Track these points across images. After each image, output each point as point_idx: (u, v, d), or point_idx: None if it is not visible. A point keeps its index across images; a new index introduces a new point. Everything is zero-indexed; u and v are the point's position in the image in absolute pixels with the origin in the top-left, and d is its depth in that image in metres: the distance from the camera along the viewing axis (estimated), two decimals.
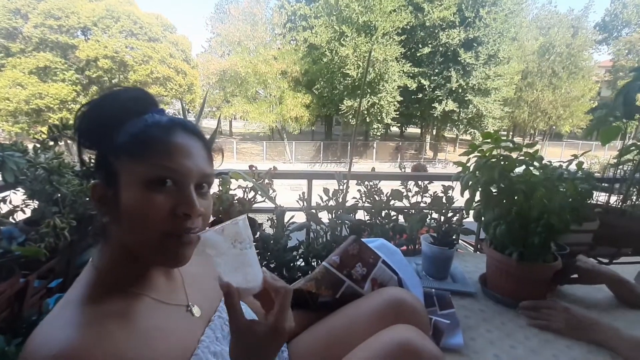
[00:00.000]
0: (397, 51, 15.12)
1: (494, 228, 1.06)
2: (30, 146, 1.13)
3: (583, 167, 1.29)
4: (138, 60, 16.04)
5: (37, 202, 1.15)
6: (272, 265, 1.33)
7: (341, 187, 1.48)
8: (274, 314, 0.46)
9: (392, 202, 1.51)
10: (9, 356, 0.74)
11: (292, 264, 1.34)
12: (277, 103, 16.67)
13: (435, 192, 1.52)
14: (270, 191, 1.34)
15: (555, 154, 19.82)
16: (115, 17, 15.98)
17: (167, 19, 18.24)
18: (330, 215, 1.46)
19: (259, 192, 1.31)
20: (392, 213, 1.52)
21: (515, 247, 1.02)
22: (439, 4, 15.43)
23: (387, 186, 1.55)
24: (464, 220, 1.51)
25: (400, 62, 15.69)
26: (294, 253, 1.37)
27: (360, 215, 1.51)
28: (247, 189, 1.35)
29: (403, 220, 1.53)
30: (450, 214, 1.50)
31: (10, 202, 1.13)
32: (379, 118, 16.12)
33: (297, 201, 1.50)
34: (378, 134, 17.66)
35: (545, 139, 22.74)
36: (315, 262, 1.40)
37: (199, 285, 0.60)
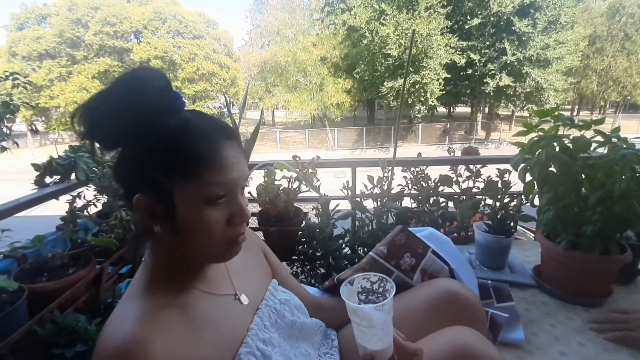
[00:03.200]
0: (442, 24, 14.17)
1: (544, 213, 0.98)
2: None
3: None
4: (185, 58, 16.90)
5: (106, 197, 1.27)
6: (318, 254, 1.35)
7: (385, 174, 1.44)
8: None
9: (440, 189, 1.44)
10: (91, 334, 0.84)
11: (338, 252, 1.35)
12: (318, 90, 16.63)
13: (489, 176, 1.41)
14: (315, 180, 1.35)
15: (631, 128, 17.52)
16: (163, 18, 16.94)
17: (208, 15, 18.96)
18: (375, 203, 1.43)
19: (303, 182, 1.32)
20: (441, 200, 1.45)
21: (566, 234, 0.93)
22: None
23: (434, 171, 1.48)
24: (524, 205, 1.40)
25: (446, 36, 14.70)
26: (340, 241, 1.37)
27: (407, 202, 1.46)
28: (291, 179, 1.37)
29: (453, 207, 1.45)
30: (507, 200, 1.39)
31: (84, 198, 1.26)
32: (423, 99, 15.37)
33: (341, 189, 1.49)
34: (420, 115, 16.89)
35: (619, 111, 20.14)
36: (361, 250, 1.39)
37: (244, 275, 0.62)
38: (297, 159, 1.37)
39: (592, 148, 0.91)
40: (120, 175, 0.49)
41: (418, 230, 1.00)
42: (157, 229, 0.48)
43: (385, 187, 1.42)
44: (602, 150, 0.92)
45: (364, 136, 17.91)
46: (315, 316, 0.71)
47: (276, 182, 1.35)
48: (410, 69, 14.25)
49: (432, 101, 15.73)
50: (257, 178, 1.43)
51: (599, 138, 0.88)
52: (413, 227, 1.02)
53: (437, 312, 0.65)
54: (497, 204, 1.41)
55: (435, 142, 17.67)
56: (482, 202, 1.40)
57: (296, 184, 1.37)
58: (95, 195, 1.28)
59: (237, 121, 1.26)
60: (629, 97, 18.32)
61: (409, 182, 1.45)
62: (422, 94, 15.23)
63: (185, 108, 0.50)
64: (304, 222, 1.37)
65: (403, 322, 0.68)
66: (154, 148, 0.45)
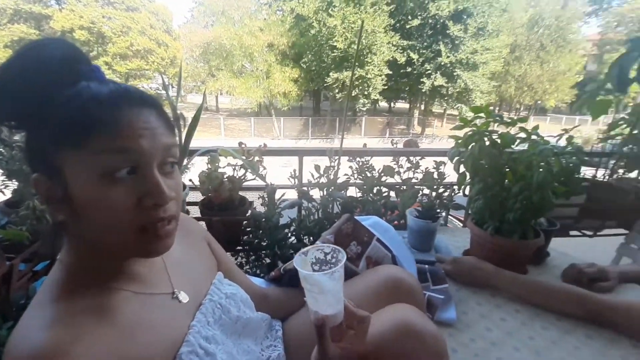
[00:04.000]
0: (385, 22, 14.72)
1: (474, 202, 1.07)
2: None
3: (573, 141, 1.29)
4: (116, 32, 15.21)
5: (16, 183, 1.09)
6: (264, 244, 1.32)
7: (332, 164, 1.45)
8: (359, 338, 0.49)
9: (384, 179, 1.50)
10: (1, 339, 0.72)
11: (284, 242, 1.33)
12: (264, 77, 16.20)
13: (427, 168, 1.51)
14: (261, 169, 1.31)
15: (540, 128, 20.08)
16: None
17: None
18: (321, 192, 1.44)
19: (249, 170, 1.27)
20: (384, 189, 1.51)
21: (492, 221, 1.03)
22: None
23: (378, 162, 1.53)
24: (456, 195, 1.52)
25: (389, 33, 15.32)
26: (286, 231, 1.35)
27: (352, 192, 1.50)
28: (237, 167, 1.31)
29: (395, 196, 1.52)
30: (441, 190, 1.50)
31: None
32: (366, 92, 15.93)
33: (288, 178, 1.47)
34: (364, 108, 17.50)
35: (531, 113, 22.97)
36: (307, 239, 1.39)
37: (184, 269, 0.57)
38: (243, 146, 1.32)
39: (515, 143, 1.01)
40: (24, 156, 0.43)
41: (363, 218, 1.03)
42: (60, 217, 0.41)
43: (332, 177, 1.43)
44: (524, 146, 1.03)
45: (310, 126, 17.99)
46: (261, 308, 0.69)
47: (220, 170, 1.29)
48: (356, 63, 14.61)
49: (375, 96, 16.37)
50: (199, 165, 1.34)
51: (522, 135, 0.98)
52: (358, 215, 1.05)
53: (382, 297, 0.67)
54: (434, 193, 1.52)
55: (378, 135, 18.45)
56: (420, 192, 1.50)
57: (242, 172, 1.32)
58: (2, 181, 1.09)
59: (175, 103, 1.16)
60: (539, 102, 20.98)
61: (355, 172, 1.48)
62: (366, 88, 15.76)
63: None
64: (249, 211, 1.33)
65: None
66: (46, 120, 0.39)
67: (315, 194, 1.45)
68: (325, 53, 15.29)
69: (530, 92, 19.69)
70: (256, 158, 1.31)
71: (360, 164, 1.49)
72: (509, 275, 0.96)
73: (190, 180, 1.31)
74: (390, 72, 15.94)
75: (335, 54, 14.91)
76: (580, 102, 1.56)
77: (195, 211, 1.36)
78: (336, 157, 1.45)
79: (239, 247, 1.37)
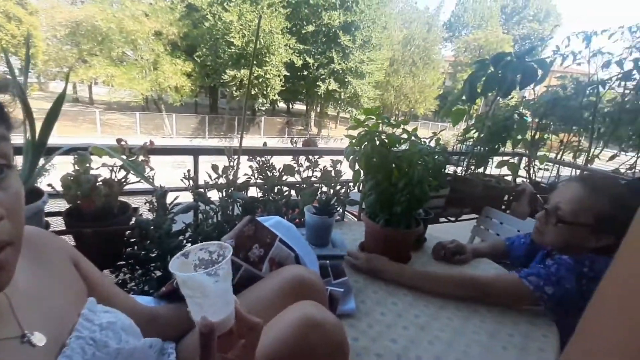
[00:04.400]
0: (282, 24, 14.94)
1: (367, 197, 1.17)
2: None
3: (440, 142, 1.53)
4: None
5: None
6: (153, 255, 1.17)
7: (232, 164, 1.38)
8: (248, 350, 0.44)
9: (284, 178, 1.50)
10: None
11: (178, 251, 1.20)
12: (151, 68, 14.46)
13: (325, 166, 1.58)
14: (147, 170, 1.15)
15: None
16: None
17: None
18: (220, 193, 1.36)
19: (132, 172, 1.11)
20: (285, 189, 1.52)
21: (382, 214, 1.14)
22: None
23: (278, 162, 1.53)
24: (352, 192, 1.63)
25: (286, 36, 15.60)
26: (181, 237, 1.23)
27: (253, 192, 1.45)
28: (115, 168, 1.12)
29: (295, 195, 1.55)
30: (338, 187, 1.59)
31: None
32: (265, 92, 15.89)
33: (182, 180, 1.34)
34: (263, 108, 17.46)
35: (407, 119, 26.64)
36: None
37: (39, 303, 0.45)
38: (123, 143, 1.14)
39: (400, 143, 1.14)
40: None
41: (265, 219, 1.00)
42: None
43: (232, 177, 1.37)
44: (405, 146, 1.16)
45: (207, 125, 16.90)
46: (149, 331, 0.59)
47: (93, 172, 1.08)
48: (255, 62, 14.39)
49: (274, 96, 16.45)
50: (64, 167, 1.10)
51: (404, 135, 1.11)
52: (260, 216, 1.02)
53: (286, 297, 0.66)
54: (331, 190, 1.60)
55: (277, 135, 18.58)
56: (320, 190, 1.56)
57: (123, 174, 1.13)
58: None
59: (24, 89, 0.92)
60: (412, 109, 24.50)
61: (255, 171, 1.45)
62: (265, 88, 15.70)
63: None
64: (133, 219, 1.15)
65: (256, 312, 0.67)
66: None
67: (214, 195, 1.36)
68: (222, 48, 14.60)
69: (405, 100, 22.85)
70: (141, 157, 1.15)
71: (261, 163, 1.46)
72: (411, 271, 1.08)
73: (50, 185, 1.07)
74: (288, 74, 16.26)
75: (233, 50, 14.39)
76: (445, 110, 1.87)
77: (58, 223, 1.11)
78: (235, 157, 1.38)
79: (121, 262, 1.18)
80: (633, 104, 2.05)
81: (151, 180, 1.14)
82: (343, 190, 1.64)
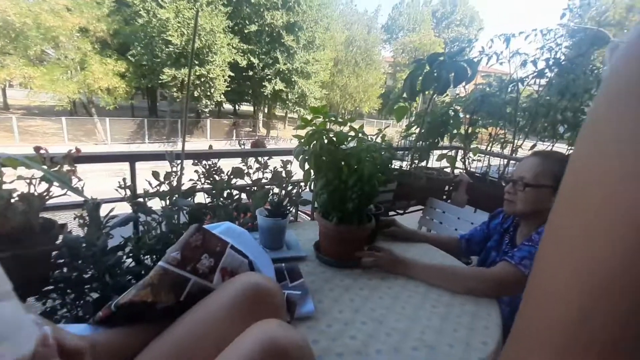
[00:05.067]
0: (223, 23, 14.44)
1: (319, 197, 1.17)
2: None
3: (385, 139, 1.59)
4: None
5: None
6: (87, 276, 1.05)
7: (175, 169, 1.29)
8: None
9: (234, 181, 1.45)
10: None
11: (117, 268, 1.10)
12: (78, 69, 13.04)
13: (275, 167, 1.55)
14: (75, 180, 1.03)
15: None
16: None
17: None
18: (163, 202, 1.26)
19: (56, 184, 0.98)
20: (235, 192, 1.46)
21: (335, 212, 1.15)
22: None
23: (226, 165, 1.47)
24: (303, 191, 1.62)
25: (228, 35, 15.12)
26: (120, 253, 1.12)
27: (200, 198, 1.38)
28: (34, 180, 0.99)
29: (246, 198, 1.50)
30: (290, 187, 1.57)
31: None
32: (209, 93, 15.25)
33: (116, 189, 1.22)
34: (207, 110, 16.75)
35: (355, 118, 27.46)
36: (150, 259, 1.19)
37: None
38: (43, 152, 1.00)
39: (348, 141, 1.15)
40: None
41: (215, 226, 0.95)
42: None
43: (175, 183, 1.28)
44: (353, 143, 1.18)
45: (146, 129, 15.71)
46: None
47: (7, 186, 0.93)
48: (195, 61, 13.71)
49: (219, 97, 15.87)
50: None
51: (352, 133, 1.13)
52: (209, 223, 0.96)
53: (243, 309, 0.63)
54: (283, 191, 1.57)
55: (224, 138, 17.95)
56: (271, 192, 1.53)
57: (44, 187, 1.00)
58: None
59: None
60: (358, 108, 25.30)
61: (202, 176, 1.37)
62: (208, 89, 15.06)
63: None
64: (60, 237, 1.02)
65: (208, 329, 0.62)
66: None
67: (156, 204, 1.26)
68: (159, 47, 13.68)
69: (351, 99, 23.54)
70: (65, 167, 1.02)
71: (207, 167, 1.39)
72: (431, 266, 1.15)
73: None
74: (233, 74, 15.80)
75: (171, 49, 13.56)
76: (389, 108, 1.95)
77: None
78: (178, 161, 1.30)
79: (48, 287, 1.04)
80: (546, 99, 2.33)
81: (80, 191, 1.02)
82: (295, 191, 1.62)
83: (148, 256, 1.19)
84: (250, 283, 0.67)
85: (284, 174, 1.56)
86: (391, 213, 2.14)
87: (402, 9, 35.18)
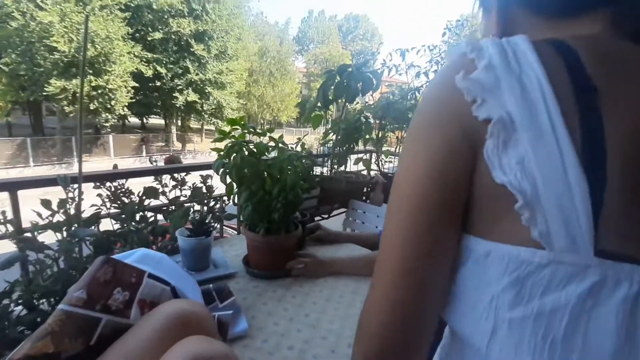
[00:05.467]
0: (122, 29, 13.13)
1: (244, 209, 1.15)
2: None
3: (305, 147, 1.64)
4: None
5: None
6: None
7: (71, 194, 1.13)
8: None
9: (147, 202, 1.32)
10: None
11: (4, 320, 0.91)
12: None
13: (194, 183, 1.47)
14: None
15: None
16: None
17: None
18: (60, 234, 1.09)
19: None
20: (149, 214, 1.34)
21: (262, 223, 1.14)
22: None
23: (137, 185, 1.34)
24: (227, 206, 1.57)
25: (129, 43, 13.78)
26: (5, 301, 0.93)
27: (107, 225, 1.22)
28: None
29: (164, 219, 1.38)
30: (212, 203, 1.51)
31: None
32: (109, 106, 13.63)
33: None
34: (109, 124, 14.96)
35: (272, 127, 27.61)
36: (47, 304, 1.01)
37: None
38: None
39: (268, 151, 1.16)
40: None
41: (127, 254, 0.86)
42: None
43: (73, 211, 1.11)
44: (274, 153, 1.19)
45: (30, 150, 13.23)
46: None
47: None
48: (90, 70, 12.11)
49: (122, 110, 14.29)
50: None
51: (272, 143, 1.14)
52: (120, 252, 0.87)
53: (169, 341, 0.58)
54: (205, 208, 1.50)
55: (132, 155, 16.20)
56: (191, 209, 1.44)
57: None
58: None
59: None
60: (276, 117, 25.48)
61: (107, 200, 1.22)
62: (108, 101, 13.44)
63: None
64: None
65: None
66: None
67: (50, 238, 1.08)
68: (41, 55, 11.70)
69: (269, 109, 23.65)
70: None
71: (113, 189, 1.25)
72: (348, 260, 1.23)
73: None
74: (138, 85, 14.42)
75: (57, 56, 11.73)
76: (305, 117, 2.02)
77: None
78: (75, 186, 1.13)
79: None
80: None
81: None
82: (218, 206, 1.56)
83: (44, 300, 1.01)
84: (174, 311, 0.63)
85: (204, 190, 1.49)
86: (317, 218, 2.20)
87: (310, 22, 36.96)
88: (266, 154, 1.14)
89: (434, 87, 0.33)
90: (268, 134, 1.14)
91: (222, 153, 1.08)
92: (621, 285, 0.25)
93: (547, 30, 0.34)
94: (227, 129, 1.15)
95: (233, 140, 1.08)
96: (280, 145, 1.16)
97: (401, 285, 0.32)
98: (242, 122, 1.08)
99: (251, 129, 1.11)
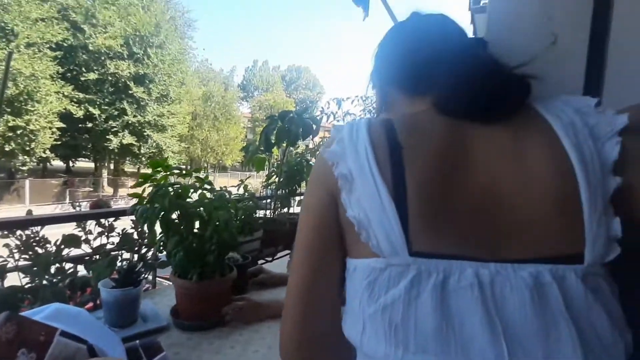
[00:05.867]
0: (51, 68, 12.33)
1: (175, 255, 1.07)
2: None
3: (248, 189, 1.65)
4: None
5: None
6: None
7: None
8: None
9: (65, 252, 1.20)
10: None
11: None
12: None
13: (125, 229, 1.37)
14: None
15: (223, 183, 23.91)
16: None
17: None
18: None
19: None
20: (68, 265, 1.20)
21: (194, 269, 1.07)
22: (103, 30, 14.36)
23: (55, 234, 1.21)
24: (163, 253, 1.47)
25: (58, 82, 12.91)
26: None
27: (14, 279, 1.07)
28: None
29: (85, 270, 1.25)
30: (144, 250, 1.41)
31: None
32: (28, 148, 12.26)
33: None
34: (25, 168, 13.35)
35: (216, 171, 26.98)
36: None
37: None
38: None
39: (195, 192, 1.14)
40: None
41: (37, 311, 0.77)
42: None
43: None
44: (210, 196, 1.17)
45: None
46: None
47: None
48: (7, 109, 10.95)
49: (44, 152, 12.92)
50: None
51: (197, 184, 1.13)
52: (28, 309, 0.77)
53: None
54: (135, 256, 1.39)
55: (53, 201, 14.41)
56: (120, 258, 1.33)
57: None
58: None
59: None
60: (221, 161, 25.07)
61: (16, 251, 1.08)
62: (27, 143, 12.10)
63: None
64: None
65: None
66: None
67: None
68: None
69: (213, 153, 23.26)
70: None
71: (24, 238, 1.11)
72: (272, 304, 1.17)
73: None
74: (65, 126, 13.31)
75: None
76: (248, 161, 2.05)
77: None
78: None
79: None
80: None
81: None
82: (151, 253, 1.46)
83: None
84: None
85: (136, 236, 1.39)
86: (260, 262, 2.15)
87: (255, 71, 38.63)
88: (192, 196, 1.12)
89: (316, 159, 0.47)
90: (194, 174, 1.13)
91: (147, 198, 1.03)
92: (431, 276, 0.34)
93: (407, 103, 0.49)
94: (149, 171, 1.11)
95: (155, 183, 1.05)
96: (206, 185, 1.15)
97: (302, 295, 0.44)
98: (165, 164, 1.06)
99: (175, 171, 1.09)
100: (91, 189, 17.07)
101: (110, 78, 14.97)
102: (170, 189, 1.04)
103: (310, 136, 1.94)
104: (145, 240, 1.42)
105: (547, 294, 0.33)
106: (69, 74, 14.13)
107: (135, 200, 1.04)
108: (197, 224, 1.09)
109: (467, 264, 0.34)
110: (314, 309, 0.43)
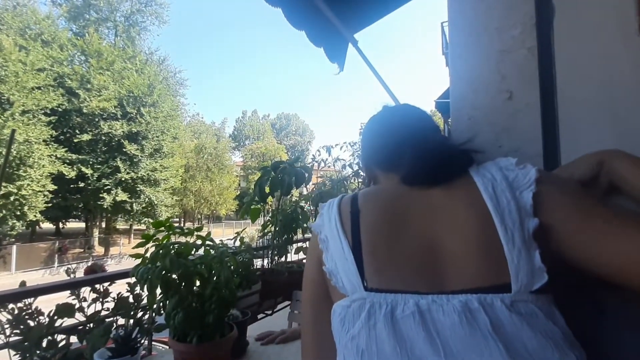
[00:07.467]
0: (45, 133, 12.58)
1: (174, 318, 1.04)
2: None
3: (244, 241, 1.66)
4: None
5: None
6: None
7: None
8: None
9: (59, 322, 1.16)
10: None
11: None
12: None
13: (120, 293, 1.35)
14: None
15: (218, 234, 23.43)
16: None
17: None
18: None
19: None
20: (61, 337, 1.16)
21: (194, 331, 1.03)
22: (98, 94, 14.93)
23: (48, 303, 1.18)
24: (159, 316, 1.43)
25: (51, 146, 13.10)
26: None
27: (4, 357, 1.03)
28: None
29: (78, 341, 1.20)
30: (140, 314, 1.37)
31: None
32: (19, 213, 12.07)
33: None
34: (14, 233, 13.03)
35: (210, 221, 26.63)
36: None
37: None
38: None
39: (195, 250, 1.14)
40: None
41: None
42: None
43: None
44: (201, 251, 1.17)
45: None
46: None
47: None
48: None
49: (35, 216, 12.72)
50: None
51: (200, 242, 1.14)
52: None
53: None
54: (131, 321, 1.35)
55: (42, 266, 13.87)
56: (114, 324, 1.28)
57: None
58: None
59: None
60: (215, 211, 24.89)
61: (8, 326, 1.05)
62: (19, 208, 11.95)
63: None
64: None
65: None
66: None
67: None
68: None
69: (206, 204, 23.17)
70: None
71: (16, 312, 1.08)
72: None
73: None
74: (57, 187, 13.28)
75: None
76: (243, 210, 2.07)
77: None
78: None
79: None
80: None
81: None
82: (147, 317, 1.41)
83: None
84: None
85: (131, 299, 1.36)
86: (260, 316, 2.08)
87: (245, 121, 40.01)
88: (194, 253, 1.12)
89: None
90: (195, 233, 1.15)
91: (148, 259, 1.04)
92: (382, 307, 0.42)
93: (385, 177, 0.60)
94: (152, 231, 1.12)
95: (157, 243, 1.06)
96: (208, 242, 1.16)
97: (310, 333, 0.56)
98: (168, 224, 1.08)
99: (178, 230, 1.11)
100: (82, 250, 16.58)
101: (103, 138, 15.28)
102: (172, 247, 1.05)
103: (303, 184, 1.99)
104: (142, 302, 1.39)
105: (476, 318, 0.39)
106: (62, 137, 14.41)
107: (136, 261, 1.04)
108: (197, 283, 1.09)
109: (409, 296, 0.42)
110: (320, 344, 0.54)
